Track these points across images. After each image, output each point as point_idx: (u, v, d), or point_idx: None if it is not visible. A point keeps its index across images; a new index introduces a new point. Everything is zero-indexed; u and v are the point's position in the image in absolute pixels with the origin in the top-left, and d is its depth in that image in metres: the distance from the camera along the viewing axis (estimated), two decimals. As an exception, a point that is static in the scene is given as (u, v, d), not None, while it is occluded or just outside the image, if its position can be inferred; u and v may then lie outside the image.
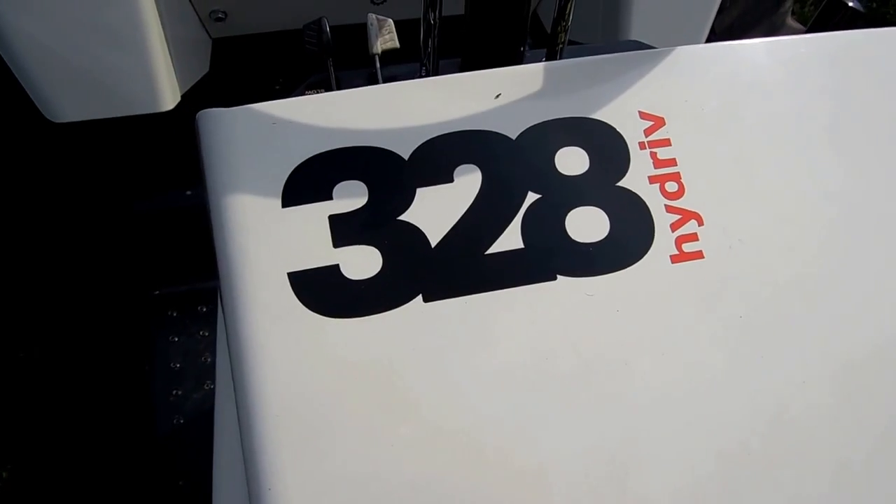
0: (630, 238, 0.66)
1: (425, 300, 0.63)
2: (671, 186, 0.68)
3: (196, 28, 1.61)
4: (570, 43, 0.88)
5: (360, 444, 0.58)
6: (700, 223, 0.67)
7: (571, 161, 0.68)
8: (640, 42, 0.97)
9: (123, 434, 1.52)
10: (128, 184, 1.65)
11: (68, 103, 1.35)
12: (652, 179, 0.68)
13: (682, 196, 0.68)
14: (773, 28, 1.93)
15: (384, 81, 0.88)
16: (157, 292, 1.63)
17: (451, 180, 0.66)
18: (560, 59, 0.87)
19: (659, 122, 0.70)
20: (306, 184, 0.65)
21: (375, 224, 0.65)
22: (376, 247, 0.64)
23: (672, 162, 0.69)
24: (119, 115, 1.38)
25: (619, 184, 0.68)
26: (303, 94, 0.88)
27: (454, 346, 0.62)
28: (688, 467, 0.60)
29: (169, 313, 1.61)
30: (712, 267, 0.66)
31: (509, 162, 0.67)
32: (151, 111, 1.37)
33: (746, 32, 1.89)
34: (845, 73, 0.75)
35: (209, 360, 1.56)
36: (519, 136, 0.68)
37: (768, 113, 0.72)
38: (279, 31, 1.68)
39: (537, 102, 0.70)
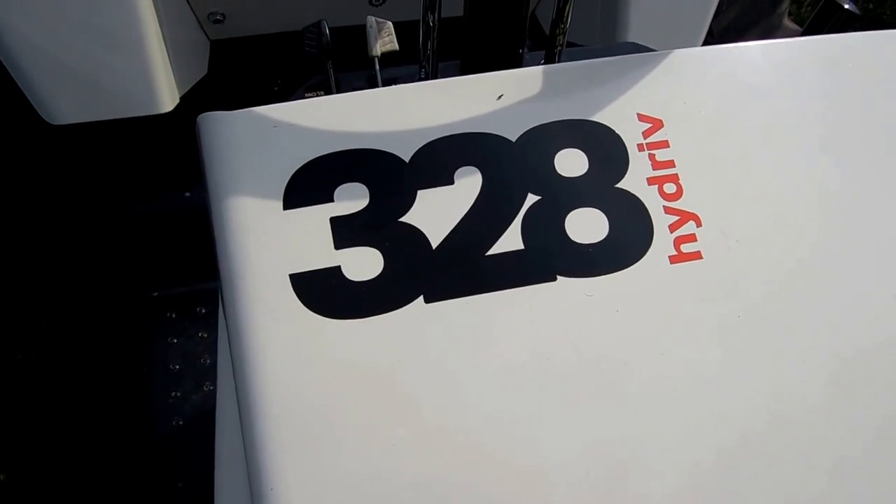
0: (629, 239, 0.67)
1: (426, 301, 0.63)
2: (670, 188, 0.69)
3: (194, 30, 1.61)
4: (569, 45, 0.88)
5: (361, 445, 0.59)
6: (698, 224, 0.68)
7: (571, 163, 0.69)
8: (638, 44, 0.98)
9: (122, 436, 1.51)
10: (126, 185, 1.64)
11: (66, 105, 1.35)
12: (650, 181, 0.69)
13: (680, 197, 0.68)
14: (770, 29, 1.94)
15: (384, 84, 0.88)
16: (155, 294, 1.62)
17: (452, 182, 0.67)
18: (558, 60, 0.87)
19: (657, 125, 0.71)
20: (308, 186, 0.65)
21: (376, 226, 0.65)
22: (377, 248, 0.64)
23: (670, 163, 0.69)
24: (117, 116, 1.37)
25: (618, 185, 0.68)
26: (302, 96, 0.88)
27: (455, 346, 0.62)
28: (688, 466, 0.61)
29: (168, 315, 1.61)
30: (710, 267, 0.66)
31: (509, 164, 0.68)
32: (150, 113, 1.37)
33: (744, 34, 1.89)
34: (843, 75, 0.75)
35: (208, 361, 1.56)
36: (519, 138, 0.69)
37: (766, 115, 0.73)
38: (277, 33, 1.68)
39: (537, 105, 0.70)
